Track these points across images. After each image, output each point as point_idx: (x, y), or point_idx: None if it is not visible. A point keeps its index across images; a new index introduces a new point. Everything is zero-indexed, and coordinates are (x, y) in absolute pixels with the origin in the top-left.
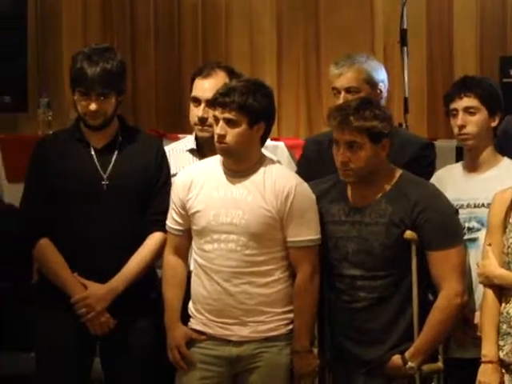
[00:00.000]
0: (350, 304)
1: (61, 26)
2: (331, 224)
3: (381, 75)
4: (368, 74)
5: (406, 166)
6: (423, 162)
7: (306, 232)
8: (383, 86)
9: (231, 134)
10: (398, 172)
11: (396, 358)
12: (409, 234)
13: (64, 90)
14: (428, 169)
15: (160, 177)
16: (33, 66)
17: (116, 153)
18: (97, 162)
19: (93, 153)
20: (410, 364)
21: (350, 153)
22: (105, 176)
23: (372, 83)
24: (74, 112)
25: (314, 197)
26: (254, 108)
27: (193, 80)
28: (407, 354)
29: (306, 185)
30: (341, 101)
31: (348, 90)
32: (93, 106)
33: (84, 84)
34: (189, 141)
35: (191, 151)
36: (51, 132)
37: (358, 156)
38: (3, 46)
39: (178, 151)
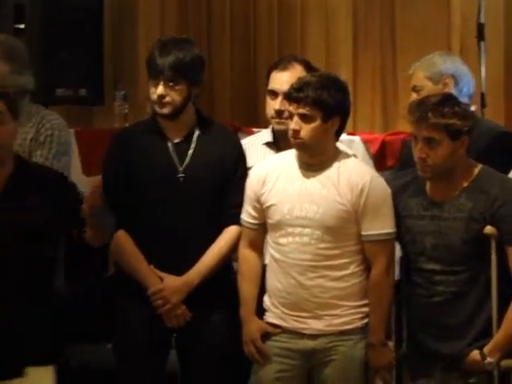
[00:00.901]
0: (427, 298)
1: (137, 19)
2: (409, 218)
3: (448, 69)
4: (428, 70)
5: (482, 155)
6: (499, 151)
7: (380, 226)
8: (451, 80)
9: (306, 129)
10: (478, 167)
11: (475, 354)
12: (489, 229)
13: (140, 83)
14: (505, 158)
15: (236, 170)
16: (109, 59)
17: (193, 146)
18: (173, 155)
19: (169, 145)
20: (488, 359)
21: (428, 149)
22: (181, 169)
23: (434, 79)
24: (150, 105)
25: (389, 191)
26: (329, 103)
27: (269, 73)
28: (486, 350)
29: (381, 179)
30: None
31: (414, 89)
32: (159, 90)
33: (154, 69)
34: (265, 134)
35: (268, 144)
36: (127, 125)
37: (436, 152)
38: (80, 39)
39: (255, 145)
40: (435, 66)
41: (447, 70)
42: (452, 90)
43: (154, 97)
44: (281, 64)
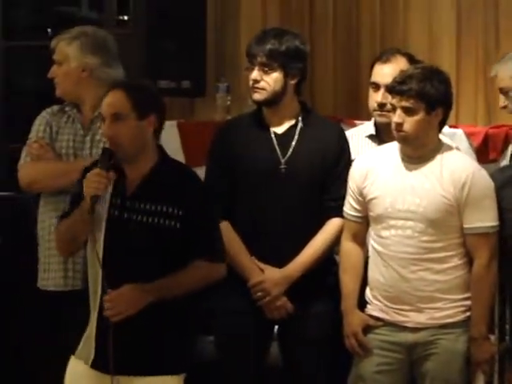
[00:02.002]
0: None
1: (240, 11)
2: None
3: None
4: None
5: None
6: None
7: (483, 219)
8: None
9: (409, 122)
10: None
11: None
12: None
13: (242, 75)
14: None
15: (339, 163)
16: (212, 51)
17: (296, 138)
18: (276, 147)
19: (273, 137)
20: None
21: None
22: (283, 160)
23: None
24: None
25: (492, 184)
26: (432, 95)
27: (372, 65)
28: None
29: (484, 172)
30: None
31: (502, 91)
32: (253, 75)
33: (250, 55)
34: (368, 127)
35: (370, 137)
36: (229, 117)
37: None
38: (183, 30)
39: (358, 137)
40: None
41: None
42: None
43: (250, 83)
44: (384, 56)
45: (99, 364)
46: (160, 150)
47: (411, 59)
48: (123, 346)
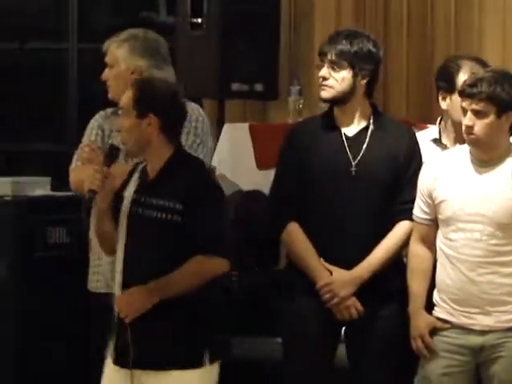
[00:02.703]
0: None
1: (313, 15)
2: None
3: None
4: None
5: None
6: None
7: None
8: None
9: (479, 125)
10: None
11: None
12: None
13: (315, 78)
14: None
15: (410, 166)
16: (285, 54)
17: (367, 140)
18: (347, 149)
19: (344, 139)
20: None
21: None
22: (354, 163)
23: None
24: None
25: None
26: (503, 98)
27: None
28: None
29: None
30: None
31: None
32: (322, 72)
33: (321, 52)
34: (433, 130)
35: (434, 141)
36: (301, 119)
37: None
38: (256, 34)
39: (423, 140)
40: None
41: None
42: None
43: (319, 81)
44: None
45: (120, 360)
46: (176, 146)
47: (482, 64)
48: (139, 341)
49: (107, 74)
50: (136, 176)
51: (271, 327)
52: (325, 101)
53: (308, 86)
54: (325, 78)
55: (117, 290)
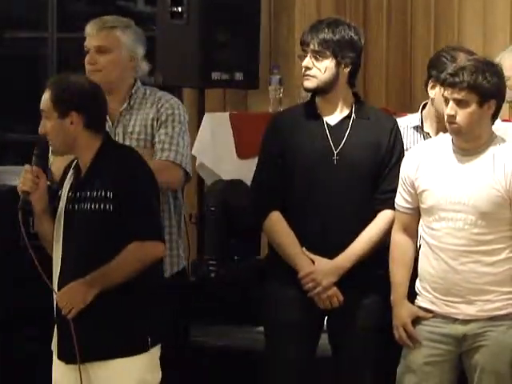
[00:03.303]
0: None
1: (294, 4)
2: None
3: None
4: None
5: None
6: None
7: None
8: None
9: (461, 114)
10: None
11: None
12: None
13: (295, 67)
14: None
15: (393, 155)
16: (265, 43)
17: (349, 129)
18: (329, 137)
19: (326, 128)
20: None
21: None
22: (336, 151)
23: None
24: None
25: None
26: (484, 87)
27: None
28: None
29: None
30: None
31: None
32: (305, 62)
33: (303, 43)
34: (414, 118)
35: (416, 128)
36: (281, 109)
37: None
38: (237, 23)
39: (404, 127)
40: None
41: None
42: None
43: (302, 72)
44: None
45: (65, 356)
46: (103, 138)
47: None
48: (82, 334)
49: (101, 59)
50: (70, 173)
51: (253, 316)
52: (308, 90)
53: (288, 76)
54: (308, 68)
55: (56, 288)
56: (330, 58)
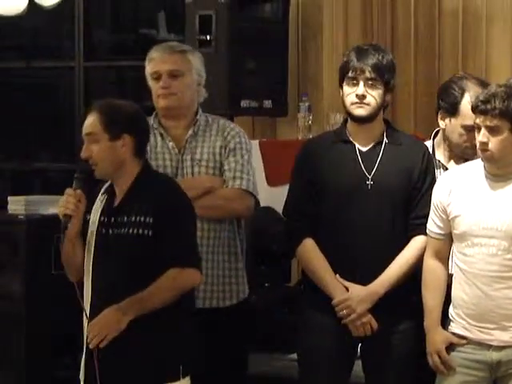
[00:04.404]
0: None
1: (321, 30)
2: None
3: None
4: None
5: None
6: None
7: None
8: None
9: (494, 142)
10: None
11: None
12: None
13: (324, 94)
14: None
15: (425, 181)
16: (293, 71)
17: (381, 154)
18: (361, 163)
19: (358, 154)
20: None
21: None
22: (369, 176)
23: None
24: (333, 117)
25: None
26: None
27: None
28: None
29: None
30: None
31: None
32: (360, 90)
33: (353, 70)
34: (427, 145)
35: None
36: (311, 136)
37: None
38: (265, 50)
39: None
40: None
41: None
42: None
43: (352, 98)
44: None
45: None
46: (143, 164)
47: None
48: (108, 369)
49: (174, 83)
50: (101, 198)
51: (285, 344)
52: (361, 119)
53: (316, 103)
54: (363, 96)
55: (88, 313)
56: (382, 84)
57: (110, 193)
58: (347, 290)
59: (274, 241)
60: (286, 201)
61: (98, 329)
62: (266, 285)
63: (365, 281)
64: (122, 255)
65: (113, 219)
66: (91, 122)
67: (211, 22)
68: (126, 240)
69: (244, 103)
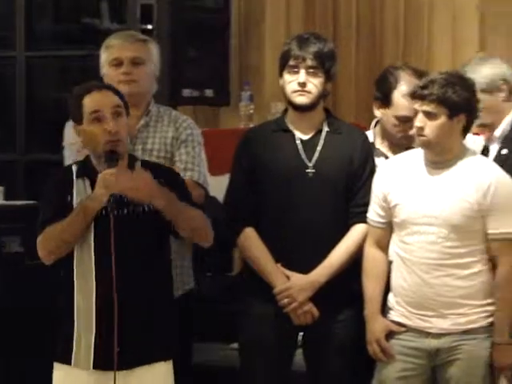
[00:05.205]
0: None
1: (263, 21)
2: None
3: None
4: None
5: None
6: None
7: (507, 225)
8: None
9: (430, 127)
10: None
11: None
12: None
13: (266, 83)
14: None
15: (365, 169)
16: (235, 60)
17: (321, 143)
18: (302, 152)
19: (298, 142)
20: None
21: None
22: (310, 164)
23: None
24: (275, 106)
25: None
26: (454, 100)
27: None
28: None
29: (508, 178)
30: None
31: None
32: (301, 77)
33: (294, 58)
34: (368, 134)
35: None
36: (252, 125)
37: None
38: (206, 40)
39: None
40: None
41: None
42: None
43: (293, 86)
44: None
45: (101, 363)
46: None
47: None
48: (128, 341)
49: (135, 70)
50: (81, 182)
51: (226, 333)
52: (302, 107)
53: (258, 92)
54: (304, 84)
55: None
56: (322, 72)
57: (91, 176)
58: (288, 278)
59: (216, 230)
60: (226, 190)
61: (135, 179)
62: (208, 274)
63: (306, 269)
64: (139, 233)
65: (125, 199)
66: (113, 97)
67: (152, 11)
68: (140, 218)
69: (186, 92)
